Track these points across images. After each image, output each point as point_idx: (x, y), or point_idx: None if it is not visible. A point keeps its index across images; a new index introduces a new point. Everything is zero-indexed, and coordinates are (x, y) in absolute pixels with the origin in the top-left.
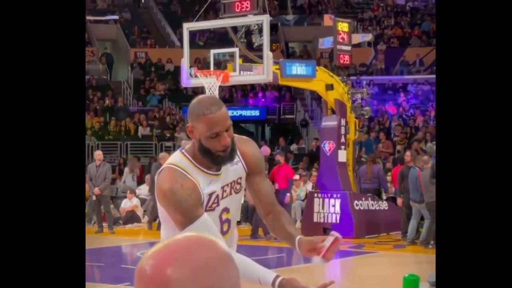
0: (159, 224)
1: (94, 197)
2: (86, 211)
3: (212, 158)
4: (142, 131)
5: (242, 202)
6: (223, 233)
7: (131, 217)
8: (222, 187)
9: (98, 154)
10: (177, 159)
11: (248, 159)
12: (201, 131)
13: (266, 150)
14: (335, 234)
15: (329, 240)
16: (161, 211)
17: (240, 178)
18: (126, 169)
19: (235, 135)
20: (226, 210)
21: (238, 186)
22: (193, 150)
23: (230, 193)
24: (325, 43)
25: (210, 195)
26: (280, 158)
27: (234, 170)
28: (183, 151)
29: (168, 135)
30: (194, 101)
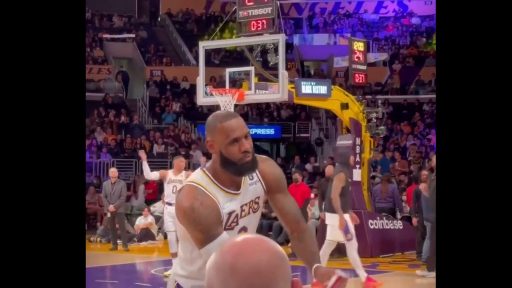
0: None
1: (109, 214)
2: (102, 227)
3: (235, 168)
4: (157, 148)
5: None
6: None
7: (146, 235)
8: (241, 206)
9: (113, 171)
10: (197, 177)
11: (268, 178)
12: (221, 141)
13: None
14: (338, 273)
15: (332, 280)
16: (180, 229)
17: (258, 197)
18: (142, 186)
19: (255, 154)
20: (244, 229)
21: (256, 206)
22: (214, 168)
23: (249, 213)
24: (339, 62)
25: (230, 214)
26: (298, 176)
27: (253, 189)
28: (204, 169)
29: (183, 152)
30: (210, 117)
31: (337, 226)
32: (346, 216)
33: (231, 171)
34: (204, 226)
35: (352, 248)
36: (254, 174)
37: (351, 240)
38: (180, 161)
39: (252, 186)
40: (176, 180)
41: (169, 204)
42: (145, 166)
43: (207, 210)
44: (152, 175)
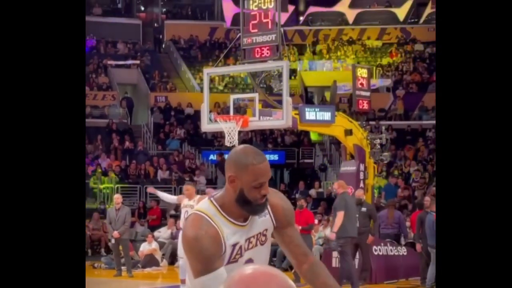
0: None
1: (113, 241)
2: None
3: (251, 208)
4: (161, 174)
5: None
6: None
7: (150, 261)
8: (248, 239)
9: (117, 197)
10: (204, 206)
11: (277, 211)
12: (247, 181)
13: None
14: None
15: None
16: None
17: (266, 230)
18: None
19: None
20: (250, 261)
21: (263, 238)
22: (223, 200)
23: (256, 245)
24: (342, 88)
25: (234, 246)
26: (303, 203)
27: (262, 221)
28: (212, 199)
29: (187, 178)
30: (238, 151)
31: None
32: None
33: (246, 210)
34: (204, 257)
35: None
36: None
37: None
38: (186, 189)
39: (261, 219)
40: (189, 205)
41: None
42: (162, 195)
43: (209, 241)
44: (172, 199)
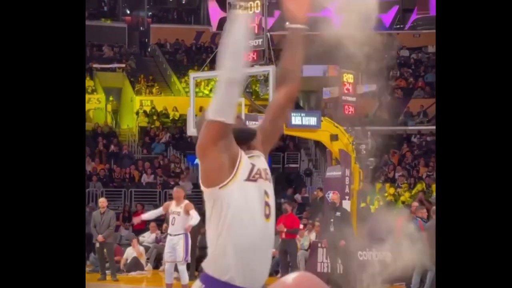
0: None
1: (97, 244)
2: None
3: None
4: (146, 178)
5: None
6: (266, 216)
7: (135, 265)
8: (259, 169)
9: (103, 201)
10: None
11: (260, 147)
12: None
13: None
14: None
15: None
16: (208, 201)
17: (267, 169)
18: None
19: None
20: (266, 193)
21: (268, 176)
22: None
23: (266, 179)
24: (327, 93)
25: (252, 165)
26: (287, 207)
27: (262, 161)
28: None
29: (172, 183)
30: None
31: None
32: None
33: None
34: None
35: None
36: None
37: None
38: (176, 191)
39: (260, 158)
40: (176, 211)
41: (170, 234)
42: (149, 216)
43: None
44: (158, 211)
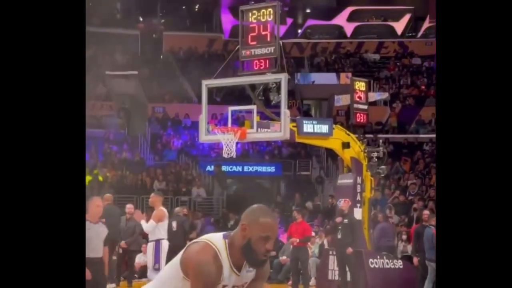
0: None
1: (120, 250)
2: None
3: (252, 259)
4: (158, 185)
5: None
6: None
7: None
8: (234, 286)
9: (130, 207)
10: (216, 239)
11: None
12: (256, 231)
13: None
14: None
15: None
16: (171, 271)
17: (247, 282)
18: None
19: None
20: None
21: None
22: (233, 241)
23: None
24: (339, 101)
25: (224, 287)
26: (296, 214)
27: (248, 275)
28: (226, 240)
29: (184, 189)
30: (255, 207)
31: None
32: None
33: (247, 259)
34: (209, 282)
35: None
36: None
37: None
38: (151, 197)
39: (249, 272)
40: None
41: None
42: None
43: (215, 271)
44: (151, 224)
